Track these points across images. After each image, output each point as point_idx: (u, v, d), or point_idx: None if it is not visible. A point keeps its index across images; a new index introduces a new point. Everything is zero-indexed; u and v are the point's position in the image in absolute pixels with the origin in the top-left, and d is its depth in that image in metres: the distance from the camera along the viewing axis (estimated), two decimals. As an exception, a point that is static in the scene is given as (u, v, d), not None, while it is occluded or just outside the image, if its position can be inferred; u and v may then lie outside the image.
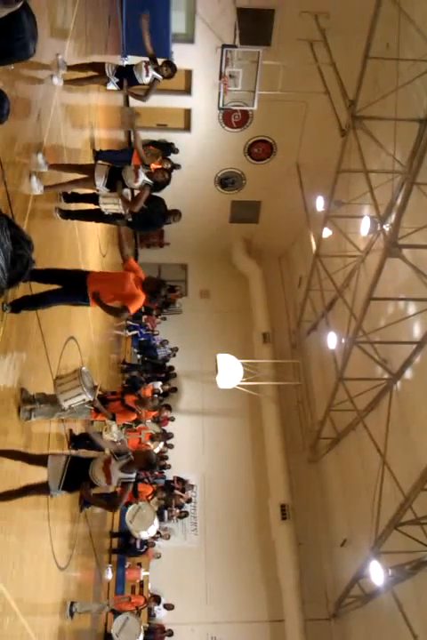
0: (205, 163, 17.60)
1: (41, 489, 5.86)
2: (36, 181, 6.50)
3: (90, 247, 10.46)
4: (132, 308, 6.43)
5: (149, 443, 12.17)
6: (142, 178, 7.83)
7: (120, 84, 8.78)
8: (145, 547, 13.32)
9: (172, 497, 14.83)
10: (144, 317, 17.27)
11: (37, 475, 5.93)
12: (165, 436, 14.85)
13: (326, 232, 14.57)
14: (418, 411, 11.03)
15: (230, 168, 18.27)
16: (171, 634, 13.34)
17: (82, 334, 9.54)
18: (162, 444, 14.23)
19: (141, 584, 13.49)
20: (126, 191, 7.95)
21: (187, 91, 16.11)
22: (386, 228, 10.28)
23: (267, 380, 16.69)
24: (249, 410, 17.48)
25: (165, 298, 18.34)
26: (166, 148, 16.01)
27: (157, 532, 13.35)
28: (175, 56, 13.68)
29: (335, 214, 14.00)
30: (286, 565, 14.57)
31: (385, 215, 10.70)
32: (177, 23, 14.27)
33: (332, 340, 13.80)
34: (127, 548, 13.20)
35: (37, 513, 6.80)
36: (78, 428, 9.20)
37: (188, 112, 16.76)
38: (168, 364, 17.91)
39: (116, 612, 10.84)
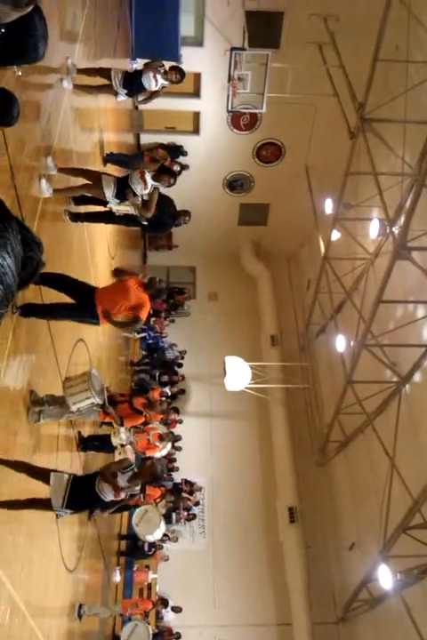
0: (213, 165, 17.61)
1: (45, 505, 5.84)
2: (46, 184, 6.53)
3: (99, 250, 10.49)
4: (143, 315, 6.51)
5: (157, 443, 12.16)
6: (150, 183, 7.85)
7: (129, 94, 8.84)
8: (153, 549, 13.33)
9: (180, 500, 14.84)
10: (153, 320, 17.30)
11: (44, 486, 5.93)
12: (174, 437, 14.86)
13: (335, 235, 14.54)
14: (427, 414, 10.99)
15: (239, 171, 18.28)
16: (179, 637, 13.33)
17: (91, 336, 9.56)
18: (170, 445, 14.21)
19: (149, 586, 13.48)
20: (136, 198, 7.98)
21: (196, 93, 16.14)
22: (395, 230, 10.25)
23: (275, 383, 16.66)
24: (257, 412, 17.46)
25: (172, 299, 18.47)
26: (175, 151, 16.05)
27: (165, 535, 13.37)
28: (184, 59, 13.73)
29: (344, 217, 13.97)
30: (293, 568, 14.52)
31: (394, 218, 10.66)
32: (186, 26, 14.30)
33: (340, 343, 13.76)
34: (135, 550, 13.22)
35: (46, 515, 6.81)
36: (87, 430, 9.22)
37: (196, 115, 16.79)
38: (176, 367, 17.88)
39: (124, 617, 10.85)
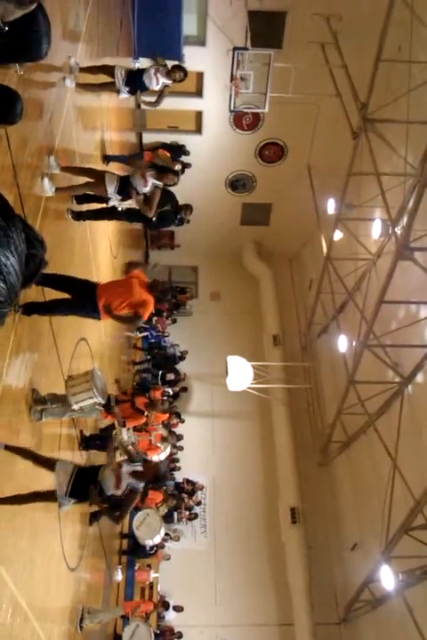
0: (215, 165, 17.60)
1: (48, 497, 5.84)
2: (48, 183, 6.54)
3: (101, 248, 10.50)
4: (145, 314, 6.50)
5: (159, 444, 12.18)
6: (151, 181, 7.84)
7: (132, 91, 8.82)
8: (155, 548, 13.32)
9: (181, 501, 14.85)
10: (155, 319, 17.31)
11: (47, 479, 5.94)
12: (176, 437, 14.86)
13: (337, 235, 14.53)
14: (429, 414, 10.98)
15: (241, 170, 18.27)
16: (180, 636, 13.34)
17: (93, 336, 9.56)
18: (169, 447, 14.16)
19: (151, 586, 13.50)
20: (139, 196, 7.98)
21: (198, 93, 16.13)
22: (398, 230, 10.22)
23: (277, 383, 16.65)
24: (259, 412, 17.45)
25: (174, 298, 18.47)
26: (178, 151, 16.07)
27: (167, 534, 13.38)
28: (187, 58, 13.73)
29: (347, 217, 13.96)
30: (295, 569, 14.51)
31: (397, 218, 10.63)
32: (189, 25, 14.31)
33: (342, 343, 13.75)
34: (137, 549, 13.21)
35: (48, 514, 6.82)
36: (89, 429, 9.23)
37: (199, 114, 16.78)
38: (177, 366, 17.87)
39: (125, 618, 10.85)
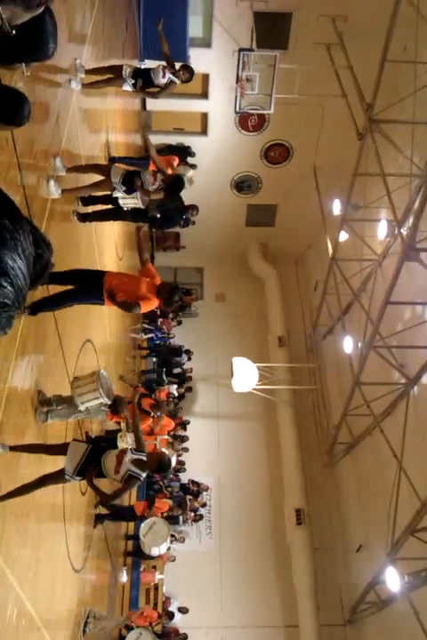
0: (221, 166, 17.61)
1: (57, 477, 5.82)
2: (54, 185, 6.55)
3: (107, 250, 10.51)
4: (144, 307, 6.45)
5: (164, 449, 12.27)
6: (159, 181, 7.83)
7: (135, 85, 8.79)
8: (160, 551, 13.32)
9: (186, 507, 14.85)
10: (160, 321, 17.33)
11: (54, 467, 5.96)
12: (181, 440, 14.90)
13: (343, 236, 14.51)
14: (435, 416, 10.95)
15: (247, 172, 18.28)
16: (185, 638, 13.32)
17: (98, 337, 9.58)
18: (175, 459, 14.10)
19: (156, 587, 13.49)
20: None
21: (204, 94, 16.15)
22: (403, 231, 10.21)
23: (282, 384, 16.65)
24: (264, 414, 17.44)
25: (179, 302, 18.46)
26: (183, 152, 16.08)
27: (172, 536, 13.37)
28: (192, 60, 13.73)
29: (352, 218, 13.94)
30: (300, 570, 14.50)
31: (403, 219, 10.61)
32: (194, 27, 14.31)
33: (348, 345, 13.73)
34: (142, 550, 13.20)
35: (53, 514, 6.83)
36: (95, 431, 9.24)
37: (204, 116, 16.80)
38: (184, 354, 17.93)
39: (129, 628, 10.86)
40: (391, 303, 10.69)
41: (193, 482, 15.78)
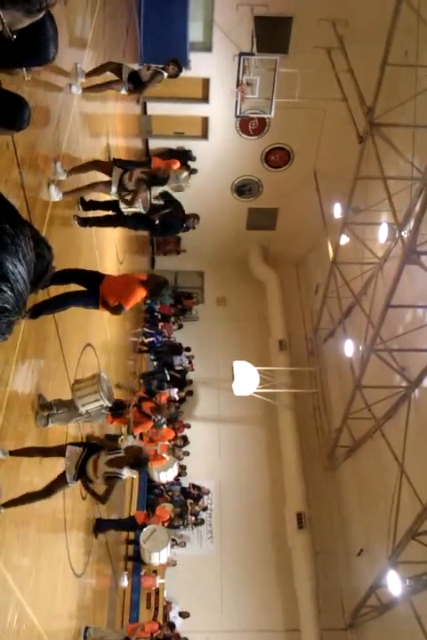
0: (222, 170, 17.63)
1: (61, 483, 5.89)
2: (55, 189, 6.55)
3: (107, 255, 10.52)
4: (127, 302, 6.45)
5: (164, 454, 12.25)
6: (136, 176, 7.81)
7: (131, 89, 8.83)
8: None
9: (187, 514, 14.84)
10: (161, 324, 17.32)
11: (54, 472, 5.96)
12: (184, 441, 14.91)
13: (344, 239, 14.52)
14: (437, 419, 10.93)
15: (247, 175, 18.29)
16: (186, 642, 13.30)
17: (99, 341, 9.58)
18: (176, 468, 14.02)
19: (157, 592, 13.46)
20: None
21: (204, 99, 16.16)
22: (404, 234, 10.21)
23: (283, 388, 16.63)
24: (265, 417, 17.43)
25: (180, 304, 18.47)
26: (184, 156, 16.08)
27: (173, 540, 13.35)
28: (193, 64, 13.78)
29: (353, 221, 13.94)
30: (302, 574, 14.47)
31: (403, 222, 10.61)
32: (195, 32, 14.34)
33: (349, 348, 13.72)
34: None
35: (54, 519, 6.82)
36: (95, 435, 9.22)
37: (205, 120, 16.81)
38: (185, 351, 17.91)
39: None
40: (392, 306, 10.69)
41: (194, 485, 15.76)
